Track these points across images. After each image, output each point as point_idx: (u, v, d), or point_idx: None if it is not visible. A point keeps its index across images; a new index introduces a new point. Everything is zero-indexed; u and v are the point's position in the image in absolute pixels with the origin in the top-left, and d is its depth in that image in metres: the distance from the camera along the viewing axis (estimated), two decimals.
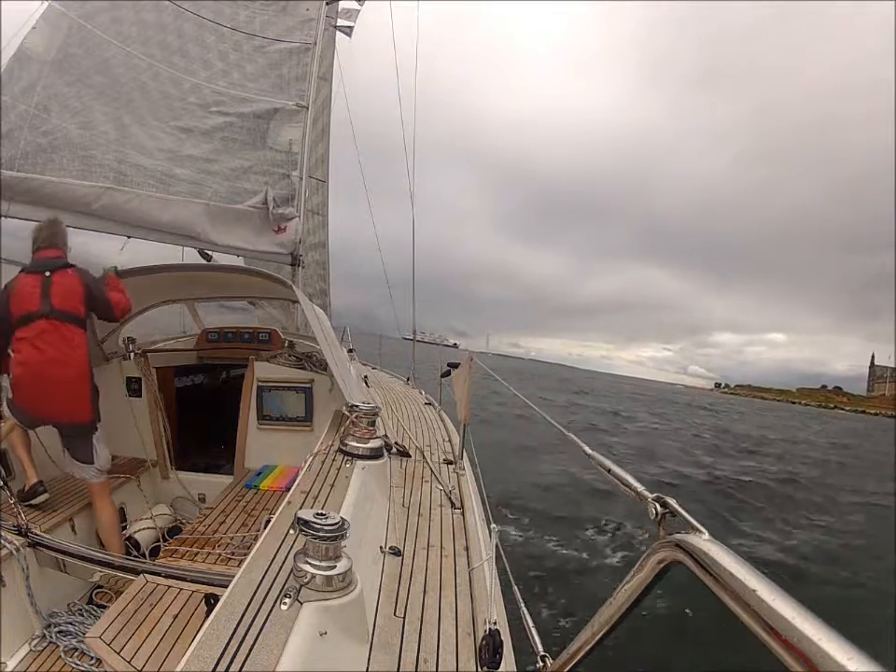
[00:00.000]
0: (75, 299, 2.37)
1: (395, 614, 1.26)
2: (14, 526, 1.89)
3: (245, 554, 1.25)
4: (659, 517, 0.66)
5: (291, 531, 1.25)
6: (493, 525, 1.54)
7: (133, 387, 3.12)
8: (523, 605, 1.40)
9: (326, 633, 0.93)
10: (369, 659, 1.07)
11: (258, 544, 1.22)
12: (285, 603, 0.95)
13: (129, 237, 2.95)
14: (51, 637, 1.81)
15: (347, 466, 1.82)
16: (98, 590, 2.09)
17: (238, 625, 0.90)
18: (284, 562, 1.11)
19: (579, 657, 0.79)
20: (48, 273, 2.36)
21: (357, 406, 2.02)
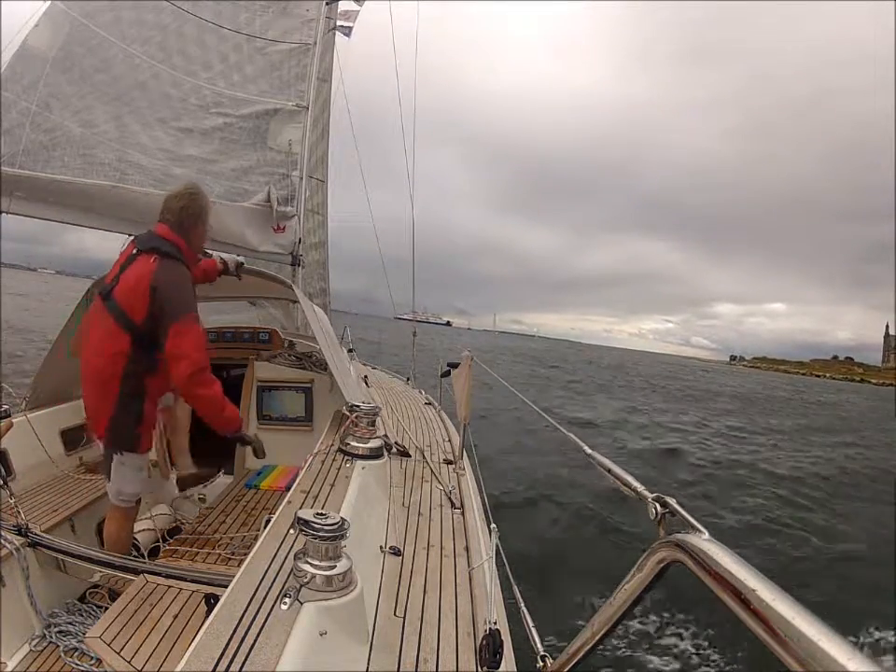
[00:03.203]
0: (135, 295, 1.86)
1: (395, 614, 1.26)
2: (14, 526, 1.89)
3: (245, 554, 1.25)
4: (659, 517, 0.67)
5: (291, 531, 1.25)
6: (493, 525, 1.55)
7: None
8: (523, 605, 1.40)
9: (326, 633, 0.93)
10: (369, 659, 1.07)
11: (258, 544, 1.22)
12: (285, 603, 0.95)
13: (130, 235, 2.94)
14: (51, 637, 1.81)
15: (347, 466, 1.83)
16: (92, 589, 2.09)
17: (238, 625, 0.90)
18: (284, 562, 1.12)
19: (579, 657, 0.80)
20: (135, 251, 1.97)
21: (357, 406, 2.02)
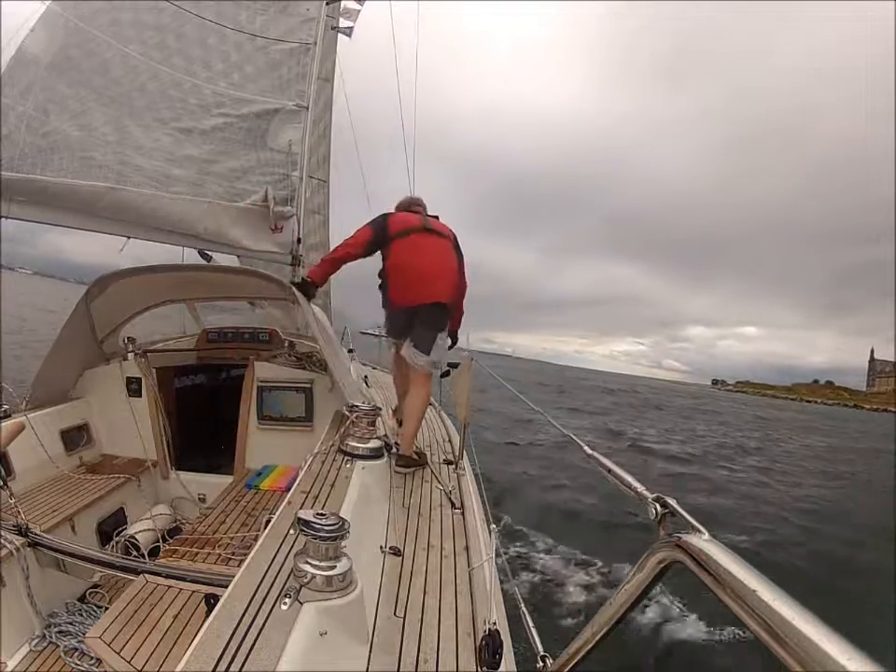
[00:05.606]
0: (449, 234, 2.74)
1: (395, 614, 1.26)
2: (14, 526, 1.89)
3: (245, 554, 1.25)
4: (659, 517, 0.66)
5: (291, 531, 1.25)
6: (493, 525, 1.55)
7: (133, 387, 3.12)
8: (523, 605, 1.40)
9: (326, 633, 0.93)
10: (369, 659, 1.07)
11: (258, 544, 1.22)
12: (285, 603, 0.95)
13: (129, 237, 2.94)
14: (51, 637, 1.81)
15: (347, 466, 1.83)
16: (92, 589, 2.09)
17: (238, 625, 0.90)
18: (284, 562, 1.12)
19: (579, 657, 0.80)
20: (426, 215, 2.80)
21: (357, 406, 2.02)
